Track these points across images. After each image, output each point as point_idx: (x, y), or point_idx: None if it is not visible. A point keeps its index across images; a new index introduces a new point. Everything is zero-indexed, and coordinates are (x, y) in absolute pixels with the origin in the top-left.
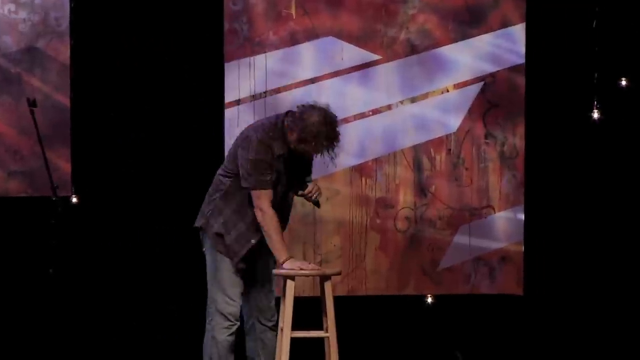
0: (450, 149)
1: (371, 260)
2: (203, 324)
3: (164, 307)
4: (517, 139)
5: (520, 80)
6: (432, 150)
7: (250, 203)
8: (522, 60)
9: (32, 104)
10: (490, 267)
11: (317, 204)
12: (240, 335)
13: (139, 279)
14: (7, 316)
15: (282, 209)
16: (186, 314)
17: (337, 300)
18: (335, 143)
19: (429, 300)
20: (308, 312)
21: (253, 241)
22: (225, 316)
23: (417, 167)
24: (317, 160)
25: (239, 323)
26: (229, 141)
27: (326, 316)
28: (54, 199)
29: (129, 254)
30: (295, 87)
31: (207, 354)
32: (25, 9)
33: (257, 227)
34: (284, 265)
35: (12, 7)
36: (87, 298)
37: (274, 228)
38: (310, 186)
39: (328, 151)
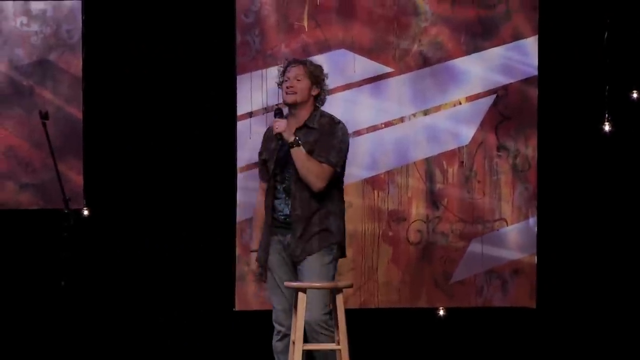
0: (462, 162)
1: (383, 272)
2: (218, 333)
3: (175, 318)
4: (529, 151)
5: (533, 93)
6: (444, 162)
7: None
8: (534, 73)
9: (44, 116)
10: (503, 280)
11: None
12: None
13: (150, 291)
14: (19, 328)
15: (292, 198)
16: (199, 324)
17: (349, 312)
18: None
19: (441, 313)
20: None
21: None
22: (274, 322)
23: (430, 179)
24: None
25: (283, 329)
26: (241, 153)
27: (338, 329)
28: (65, 211)
29: (140, 266)
30: None
31: None
32: (37, 21)
33: (268, 230)
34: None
35: (25, 19)
36: (99, 310)
37: (252, 219)
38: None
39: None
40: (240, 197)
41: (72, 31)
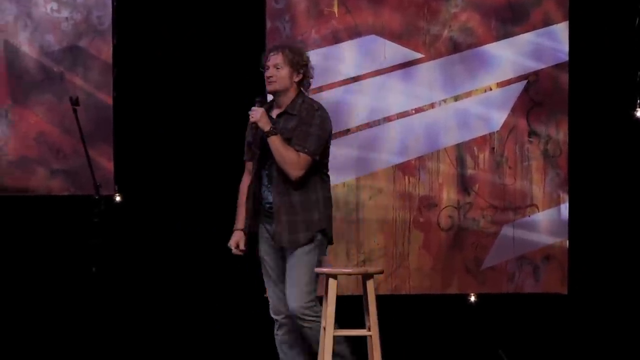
0: (493, 148)
1: (414, 258)
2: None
3: (206, 304)
4: (560, 137)
5: (564, 78)
6: (475, 148)
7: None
8: (565, 58)
9: (74, 102)
10: (534, 266)
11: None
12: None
13: (181, 276)
14: (51, 314)
15: (276, 182)
16: (230, 309)
17: (380, 298)
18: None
19: (472, 299)
20: (351, 310)
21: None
22: (270, 313)
23: (461, 165)
24: (359, 158)
25: (279, 318)
26: None
27: (369, 315)
28: (96, 197)
29: (171, 251)
30: (338, 86)
31: None
32: (68, 7)
33: (252, 215)
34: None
35: (55, 5)
36: (130, 296)
37: (238, 201)
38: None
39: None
40: None
41: (103, 17)
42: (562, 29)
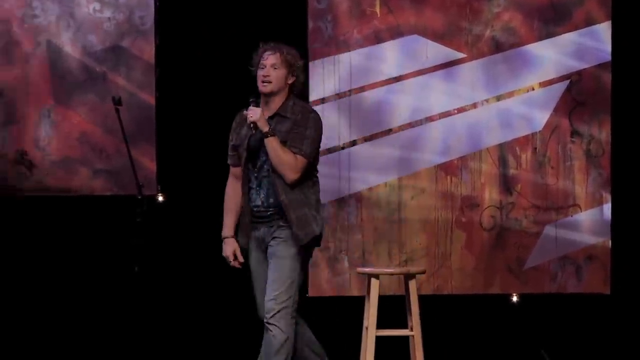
0: (536, 148)
1: (457, 258)
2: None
3: (248, 305)
4: (603, 137)
5: (606, 78)
6: (517, 148)
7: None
8: (608, 58)
9: (117, 102)
10: (577, 266)
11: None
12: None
13: (223, 276)
14: (93, 313)
15: (267, 186)
16: None
17: (422, 298)
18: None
19: (515, 299)
20: (393, 310)
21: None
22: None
23: (503, 165)
24: (401, 158)
25: (264, 319)
26: None
27: (411, 315)
28: (139, 197)
29: (213, 251)
30: (380, 86)
31: None
32: (110, 8)
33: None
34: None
35: (97, 6)
36: (172, 296)
37: (223, 206)
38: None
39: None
40: None
41: (145, 17)
42: (604, 29)
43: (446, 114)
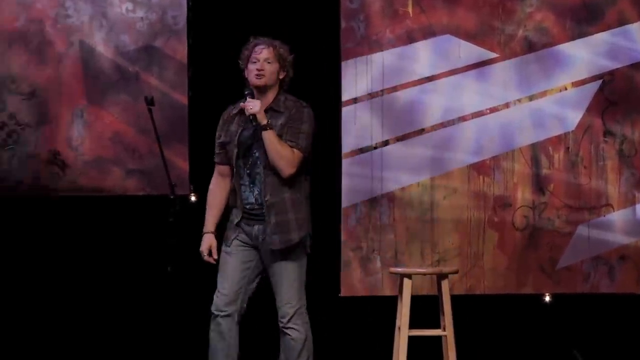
0: (568, 147)
1: (489, 258)
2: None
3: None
4: (635, 137)
5: (639, 78)
6: (550, 148)
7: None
8: None
9: (149, 102)
10: (610, 266)
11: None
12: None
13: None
14: (126, 313)
15: (260, 182)
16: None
17: (455, 298)
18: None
19: (547, 299)
20: (425, 310)
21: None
22: (213, 308)
23: (536, 165)
24: (433, 158)
25: (221, 313)
26: (346, 139)
27: (444, 315)
28: (171, 197)
29: None
30: (412, 85)
31: None
32: (143, 7)
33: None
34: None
35: (130, 5)
36: (205, 295)
37: (207, 202)
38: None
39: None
40: (345, 182)
41: (178, 17)
42: (637, 29)
43: (479, 114)
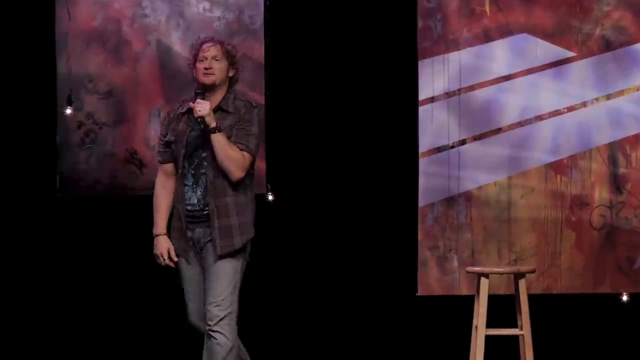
0: None
1: (566, 258)
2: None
3: (357, 304)
4: None
5: None
6: (627, 147)
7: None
8: None
9: None
10: None
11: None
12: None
13: (332, 276)
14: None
15: (204, 184)
16: (381, 309)
17: (532, 298)
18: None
19: (625, 298)
20: (503, 310)
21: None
22: (190, 323)
23: (613, 164)
24: (511, 157)
25: (206, 326)
26: (423, 138)
27: (521, 314)
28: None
29: (322, 250)
30: (489, 84)
31: None
32: (220, 7)
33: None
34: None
35: (207, 5)
36: (282, 292)
37: (154, 203)
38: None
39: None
40: (422, 182)
41: (255, 17)
42: None
43: (556, 113)
